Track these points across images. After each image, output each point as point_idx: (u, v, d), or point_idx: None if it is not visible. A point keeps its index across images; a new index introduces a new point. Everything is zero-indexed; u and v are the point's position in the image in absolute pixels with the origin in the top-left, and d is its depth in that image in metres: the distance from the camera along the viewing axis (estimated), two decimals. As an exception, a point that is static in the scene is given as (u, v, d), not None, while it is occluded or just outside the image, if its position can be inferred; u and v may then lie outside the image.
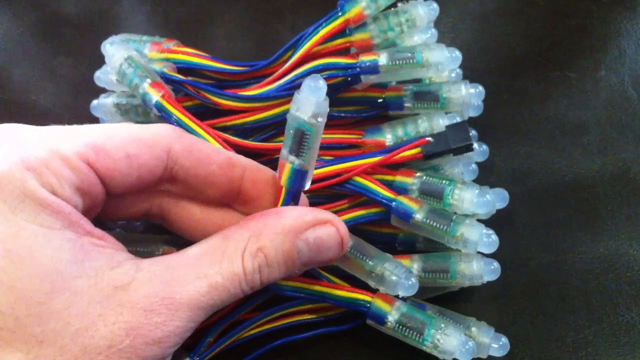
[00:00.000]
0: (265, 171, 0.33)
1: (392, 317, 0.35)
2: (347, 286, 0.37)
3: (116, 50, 0.39)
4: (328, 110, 0.29)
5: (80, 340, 0.26)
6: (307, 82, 0.29)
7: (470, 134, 0.38)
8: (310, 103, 0.29)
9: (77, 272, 0.26)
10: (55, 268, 0.26)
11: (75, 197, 0.29)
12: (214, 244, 0.30)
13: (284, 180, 0.31)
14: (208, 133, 0.37)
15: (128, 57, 0.39)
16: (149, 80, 0.38)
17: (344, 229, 0.32)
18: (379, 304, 0.35)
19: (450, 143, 0.37)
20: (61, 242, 0.27)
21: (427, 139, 0.38)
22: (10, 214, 0.26)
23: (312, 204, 0.37)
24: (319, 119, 0.29)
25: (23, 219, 0.26)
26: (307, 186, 0.32)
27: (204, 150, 0.32)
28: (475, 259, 0.36)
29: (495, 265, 0.36)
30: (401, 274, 0.35)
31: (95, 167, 0.29)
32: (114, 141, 0.30)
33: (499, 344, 0.36)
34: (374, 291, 0.36)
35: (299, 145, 0.29)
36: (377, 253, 0.36)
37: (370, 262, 0.35)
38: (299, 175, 0.31)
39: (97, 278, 0.27)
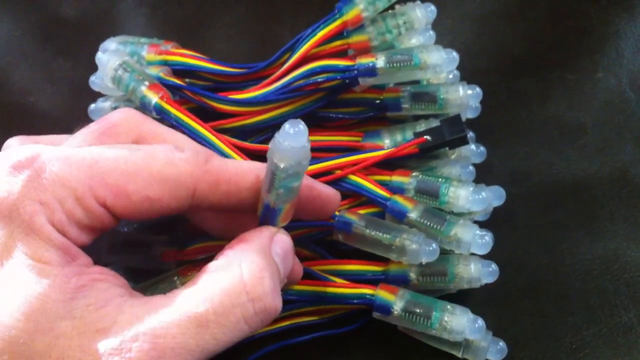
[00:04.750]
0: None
1: (398, 305, 0.35)
2: (349, 283, 0.37)
3: (110, 57, 0.39)
4: (306, 156, 0.28)
5: None
6: (284, 126, 0.27)
7: (467, 131, 0.38)
8: (281, 148, 0.27)
9: (64, 312, 0.25)
10: (42, 307, 0.25)
11: (82, 236, 0.28)
12: (203, 282, 0.27)
13: (258, 211, 0.31)
14: (210, 132, 0.38)
15: (123, 62, 0.39)
16: (146, 83, 0.38)
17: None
18: (383, 294, 0.35)
19: (445, 135, 0.38)
20: (54, 279, 0.26)
21: (425, 137, 0.38)
22: (10, 246, 0.26)
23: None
24: (289, 163, 0.28)
25: (22, 252, 0.26)
26: (279, 223, 0.31)
27: (232, 180, 0.30)
28: (473, 261, 0.36)
29: (494, 267, 0.36)
30: (421, 241, 0.35)
31: (112, 210, 0.28)
32: (136, 183, 0.28)
33: (496, 348, 0.36)
34: (375, 284, 0.36)
35: (270, 183, 0.29)
36: (392, 226, 0.36)
37: (388, 236, 0.36)
38: (267, 209, 0.30)
39: (82, 320, 0.25)
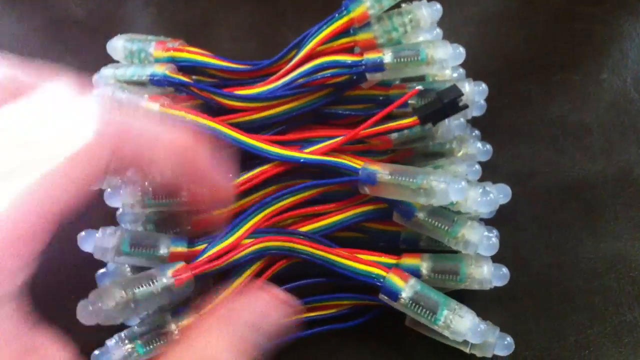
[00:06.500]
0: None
1: (407, 293, 0.35)
2: (364, 259, 0.36)
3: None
4: None
5: None
6: None
7: (475, 132, 0.38)
8: None
9: None
10: None
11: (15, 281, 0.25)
12: (180, 353, 0.27)
13: None
14: (224, 127, 0.38)
15: (115, 90, 0.39)
16: (145, 96, 0.39)
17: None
18: (394, 279, 0.35)
19: (444, 100, 0.36)
20: (5, 337, 0.24)
21: (418, 87, 0.38)
22: None
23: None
24: None
25: None
26: None
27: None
28: (486, 263, 0.36)
29: (505, 270, 0.36)
30: (448, 180, 0.34)
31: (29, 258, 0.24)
32: (42, 227, 0.24)
33: (504, 343, 0.36)
34: (389, 267, 0.36)
35: None
36: (417, 170, 0.36)
37: (414, 180, 0.35)
38: None
39: None
